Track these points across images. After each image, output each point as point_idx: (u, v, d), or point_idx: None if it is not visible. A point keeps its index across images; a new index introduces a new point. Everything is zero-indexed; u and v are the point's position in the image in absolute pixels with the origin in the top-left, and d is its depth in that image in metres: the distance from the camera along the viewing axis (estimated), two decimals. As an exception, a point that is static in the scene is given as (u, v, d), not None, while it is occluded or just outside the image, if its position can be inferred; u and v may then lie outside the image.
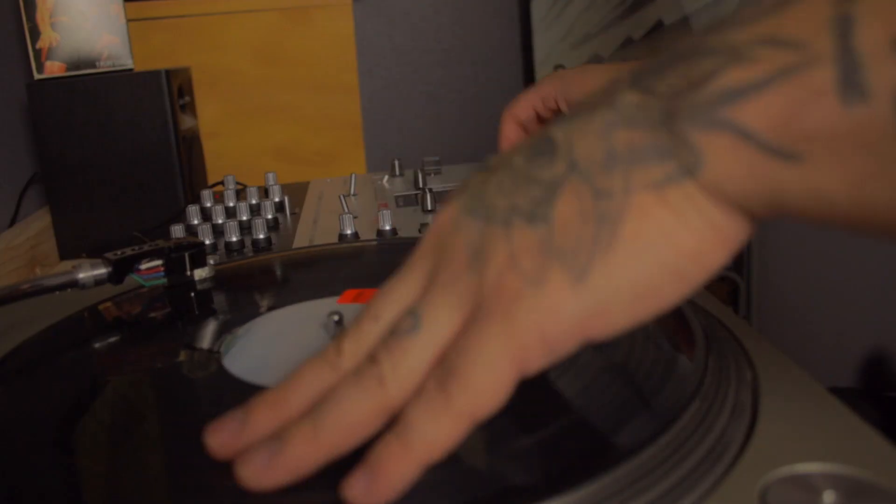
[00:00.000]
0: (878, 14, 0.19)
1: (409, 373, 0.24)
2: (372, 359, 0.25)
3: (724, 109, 0.21)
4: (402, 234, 0.62)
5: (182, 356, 0.39)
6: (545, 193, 0.24)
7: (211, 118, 1.07)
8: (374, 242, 0.58)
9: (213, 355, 0.38)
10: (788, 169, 0.20)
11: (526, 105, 0.71)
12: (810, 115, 0.20)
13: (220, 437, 0.26)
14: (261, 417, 0.26)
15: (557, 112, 0.74)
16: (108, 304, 0.47)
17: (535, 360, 0.23)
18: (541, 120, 0.77)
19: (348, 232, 0.62)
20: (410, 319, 0.25)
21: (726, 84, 0.21)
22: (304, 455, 0.24)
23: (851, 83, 0.19)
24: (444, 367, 0.24)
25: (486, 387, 0.23)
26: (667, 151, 0.22)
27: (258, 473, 0.25)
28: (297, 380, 0.27)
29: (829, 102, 0.20)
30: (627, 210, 0.23)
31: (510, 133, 0.73)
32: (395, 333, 0.25)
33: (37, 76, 0.79)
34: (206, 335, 0.41)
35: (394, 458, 0.23)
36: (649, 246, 0.22)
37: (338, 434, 0.24)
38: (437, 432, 0.23)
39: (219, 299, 0.48)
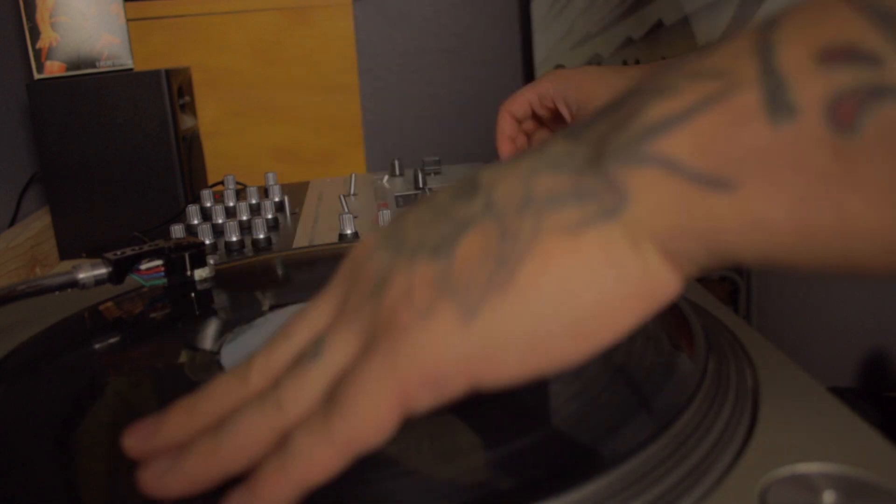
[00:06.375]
0: (796, 35, 0.20)
1: (308, 398, 0.24)
2: (276, 383, 0.25)
3: (649, 143, 0.20)
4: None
5: (182, 356, 0.39)
6: (454, 229, 0.23)
7: (211, 118, 1.07)
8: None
9: (213, 356, 0.38)
10: (721, 198, 0.20)
11: (522, 101, 0.72)
12: (738, 138, 0.19)
13: (134, 438, 0.26)
14: (173, 423, 0.26)
15: (553, 110, 0.74)
16: (109, 304, 0.47)
17: (419, 398, 0.22)
18: (535, 117, 0.77)
19: (348, 232, 0.62)
20: (314, 346, 0.25)
21: (650, 119, 0.21)
22: (200, 469, 0.24)
23: (778, 101, 0.19)
24: (332, 396, 0.23)
25: (366, 418, 0.22)
26: (587, 194, 0.21)
27: (156, 480, 0.24)
28: (210, 392, 0.26)
29: (757, 123, 0.19)
30: (529, 254, 0.21)
31: (506, 126, 0.74)
32: (300, 359, 0.25)
33: (37, 76, 0.79)
34: (207, 335, 0.41)
35: (272, 478, 0.23)
36: (547, 294, 0.21)
37: (233, 452, 0.24)
38: (315, 458, 0.23)
39: (219, 299, 0.48)
